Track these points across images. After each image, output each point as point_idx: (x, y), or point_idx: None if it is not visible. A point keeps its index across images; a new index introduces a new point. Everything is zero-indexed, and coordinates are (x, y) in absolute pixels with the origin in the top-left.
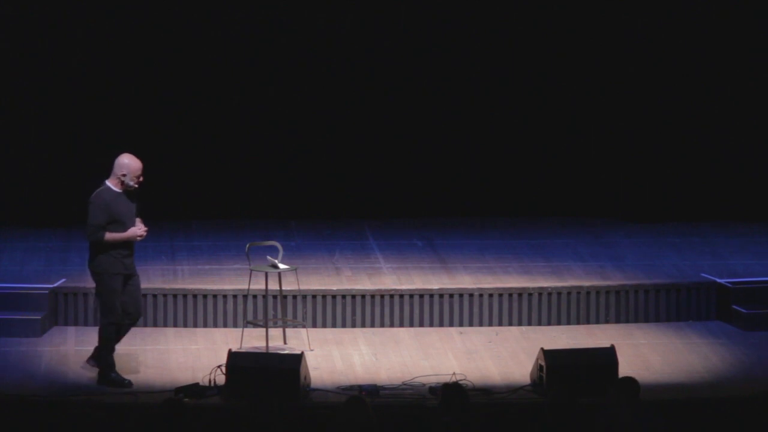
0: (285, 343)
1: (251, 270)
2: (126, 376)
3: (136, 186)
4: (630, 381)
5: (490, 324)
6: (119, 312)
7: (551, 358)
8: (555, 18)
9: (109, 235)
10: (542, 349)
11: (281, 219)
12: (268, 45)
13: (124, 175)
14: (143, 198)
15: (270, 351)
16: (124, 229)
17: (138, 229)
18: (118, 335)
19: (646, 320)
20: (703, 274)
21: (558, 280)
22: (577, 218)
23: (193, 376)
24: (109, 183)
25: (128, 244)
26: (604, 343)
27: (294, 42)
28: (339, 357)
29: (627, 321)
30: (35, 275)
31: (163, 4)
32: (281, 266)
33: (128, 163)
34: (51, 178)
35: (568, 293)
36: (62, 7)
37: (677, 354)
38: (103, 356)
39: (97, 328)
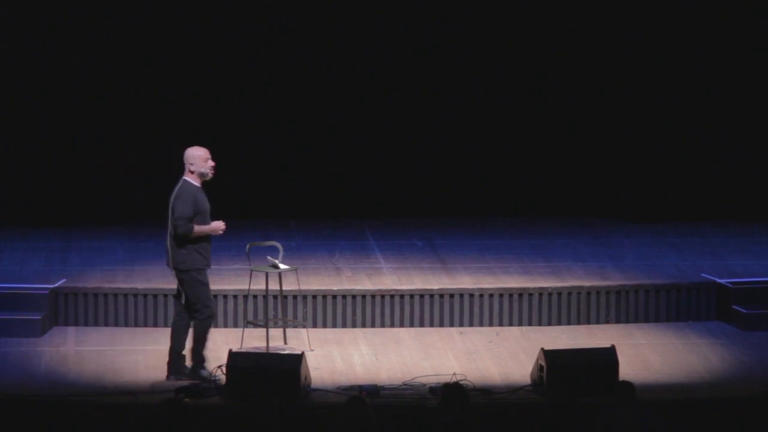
0: (285, 343)
1: (251, 270)
2: (126, 377)
3: (211, 173)
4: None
5: (491, 324)
6: (213, 306)
7: (551, 358)
8: (555, 18)
9: (197, 228)
10: (542, 349)
11: (281, 219)
12: (268, 45)
13: (192, 165)
14: (145, 197)
15: (270, 351)
16: (207, 223)
17: (221, 223)
18: (173, 334)
19: (646, 320)
20: (703, 275)
21: (558, 280)
22: (577, 218)
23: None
24: (187, 178)
25: (209, 238)
26: (605, 344)
27: (294, 42)
28: (339, 357)
29: (627, 321)
30: (35, 275)
31: (163, 4)
32: (281, 266)
33: (192, 153)
34: (51, 178)
35: (569, 293)
36: (62, 7)
37: (677, 354)
38: (199, 351)
39: (97, 328)
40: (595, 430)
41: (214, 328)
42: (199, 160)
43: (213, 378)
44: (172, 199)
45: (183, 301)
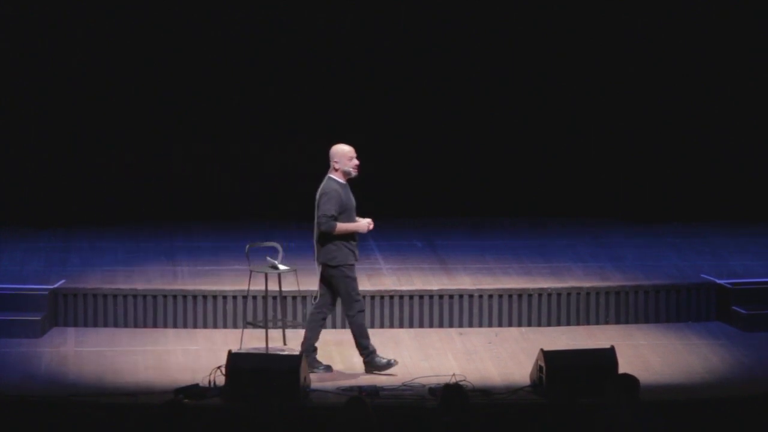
0: (285, 344)
1: (251, 271)
2: (125, 377)
3: (355, 171)
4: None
5: (490, 325)
6: (362, 300)
7: (551, 359)
8: (555, 18)
9: (341, 226)
10: (542, 350)
11: (281, 220)
12: (268, 45)
13: (336, 163)
14: (145, 197)
15: (270, 352)
16: (350, 220)
17: (368, 220)
18: (309, 325)
19: (646, 321)
20: (702, 275)
21: (558, 280)
22: (577, 219)
23: (193, 377)
24: (332, 175)
25: (356, 234)
26: (604, 344)
27: (294, 42)
28: (339, 358)
29: (627, 322)
30: (35, 276)
31: (163, 4)
32: (281, 267)
33: (337, 150)
34: (51, 178)
35: (568, 294)
36: (62, 7)
37: (677, 355)
38: (364, 344)
39: (97, 329)
40: (595, 430)
41: (213, 328)
42: (344, 157)
43: (391, 363)
44: (317, 196)
45: (321, 297)
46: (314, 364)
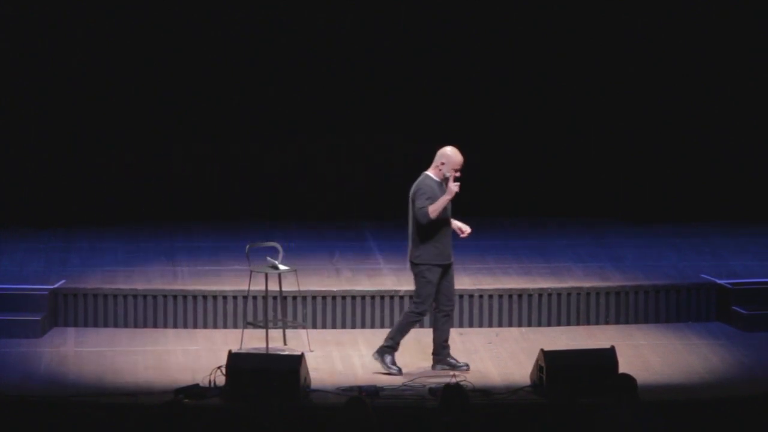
0: (285, 344)
1: (251, 271)
2: (125, 377)
3: (450, 178)
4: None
5: (490, 325)
6: (430, 304)
7: (551, 359)
8: (555, 18)
9: (432, 206)
10: (542, 350)
11: (281, 220)
12: (268, 45)
13: (443, 164)
14: (143, 197)
15: (270, 352)
16: (439, 219)
17: (455, 185)
18: (443, 324)
19: (646, 321)
20: (702, 275)
21: (558, 281)
22: (577, 219)
23: (193, 377)
24: (428, 172)
25: (445, 233)
26: (604, 344)
27: (294, 42)
28: (339, 358)
29: (627, 322)
30: (35, 276)
31: (163, 4)
32: (281, 267)
33: (450, 155)
34: (51, 178)
35: (568, 294)
36: (62, 7)
37: (677, 355)
38: (393, 335)
39: (97, 329)
40: (595, 430)
41: (213, 328)
42: (450, 165)
43: (393, 371)
44: (412, 192)
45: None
46: (445, 361)
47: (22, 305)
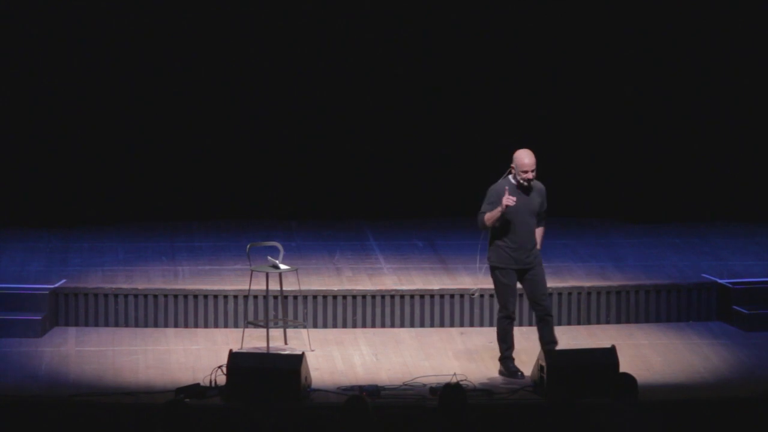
0: (286, 343)
1: (252, 270)
2: (126, 377)
3: (523, 182)
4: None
5: (491, 324)
6: (510, 307)
7: (552, 358)
8: (555, 18)
9: (487, 215)
10: (542, 349)
11: (282, 219)
12: (268, 45)
13: (513, 168)
14: (145, 197)
15: (271, 351)
16: (511, 222)
17: (507, 198)
18: (540, 326)
19: (647, 321)
20: (703, 275)
21: (559, 280)
22: (577, 219)
23: (193, 377)
24: (509, 176)
25: (517, 238)
26: (605, 344)
27: (294, 42)
28: (340, 357)
29: (628, 321)
30: (35, 276)
31: (163, 4)
32: (282, 266)
33: (516, 157)
34: (51, 178)
35: (569, 294)
36: (62, 7)
37: (678, 354)
38: (501, 347)
39: (97, 329)
40: (595, 430)
41: (214, 328)
42: (518, 167)
43: (519, 374)
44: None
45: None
46: (510, 371)
47: (22, 305)
